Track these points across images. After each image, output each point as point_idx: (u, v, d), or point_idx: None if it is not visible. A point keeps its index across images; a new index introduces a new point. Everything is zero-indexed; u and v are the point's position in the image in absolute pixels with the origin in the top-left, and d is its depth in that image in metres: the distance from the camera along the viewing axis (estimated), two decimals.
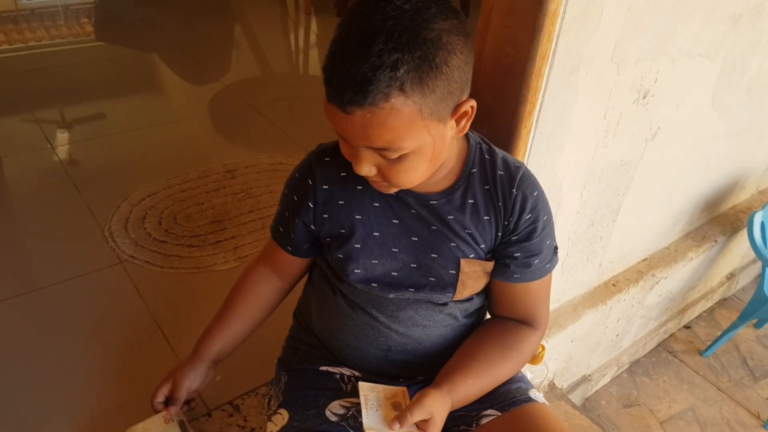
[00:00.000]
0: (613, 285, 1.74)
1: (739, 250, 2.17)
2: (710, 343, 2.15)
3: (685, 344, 2.21)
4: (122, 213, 1.97)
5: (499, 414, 0.98)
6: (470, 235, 0.94)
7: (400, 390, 0.94)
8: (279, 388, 1.11)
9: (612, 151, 1.38)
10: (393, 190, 0.89)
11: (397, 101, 0.71)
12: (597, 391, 2.00)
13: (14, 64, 3.23)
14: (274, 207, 2.02)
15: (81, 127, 2.59)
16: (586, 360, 1.83)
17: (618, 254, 1.70)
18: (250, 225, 1.92)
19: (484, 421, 0.98)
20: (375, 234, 0.96)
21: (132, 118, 2.68)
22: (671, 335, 2.23)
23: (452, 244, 0.94)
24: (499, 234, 0.95)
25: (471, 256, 0.95)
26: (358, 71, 0.69)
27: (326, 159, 0.97)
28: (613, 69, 1.22)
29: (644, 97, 1.35)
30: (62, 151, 2.36)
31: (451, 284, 0.96)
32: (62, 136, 2.48)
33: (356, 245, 0.96)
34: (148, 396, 1.13)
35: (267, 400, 1.15)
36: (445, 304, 1.00)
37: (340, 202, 0.97)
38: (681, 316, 2.18)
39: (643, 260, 1.84)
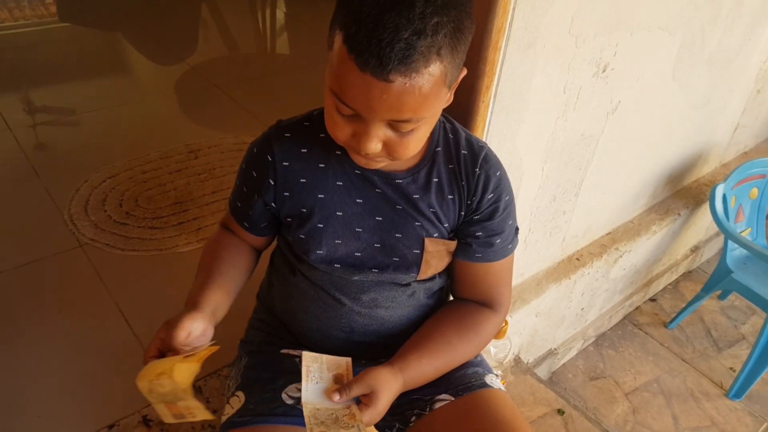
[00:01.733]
0: (577, 259, 1.75)
1: (703, 223, 2.21)
2: (675, 315, 2.19)
3: (651, 317, 2.25)
4: (82, 195, 1.92)
5: (453, 399, 0.97)
6: (434, 214, 0.93)
7: (344, 361, 0.92)
8: (238, 369, 1.10)
9: (572, 125, 1.38)
10: (383, 165, 0.86)
11: (434, 66, 0.69)
12: (563, 364, 2.03)
13: None
14: None
15: (41, 109, 2.51)
16: (552, 334, 1.86)
17: (581, 228, 1.71)
18: (213, 206, 1.89)
19: (438, 405, 0.97)
20: (338, 213, 0.94)
21: (94, 99, 2.62)
22: (637, 308, 2.26)
23: (417, 223, 0.93)
24: (462, 213, 0.94)
25: (435, 235, 0.94)
26: (401, 36, 0.65)
27: (286, 135, 0.93)
28: (572, 42, 1.21)
29: (604, 71, 1.34)
30: (21, 133, 2.29)
31: (415, 264, 0.95)
32: (21, 118, 2.40)
33: (319, 225, 0.94)
34: (108, 379, 1.09)
35: (228, 382, 1.13)
36: (408, 285, 0.99)
37: (301, 180, 0.94)
38: (646, 289, 2.21)
39: (607, 234, 1.85)
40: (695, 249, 2.34)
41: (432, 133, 0.93)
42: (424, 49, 0.67)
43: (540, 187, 1.44)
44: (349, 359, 0.94)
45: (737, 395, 1.96)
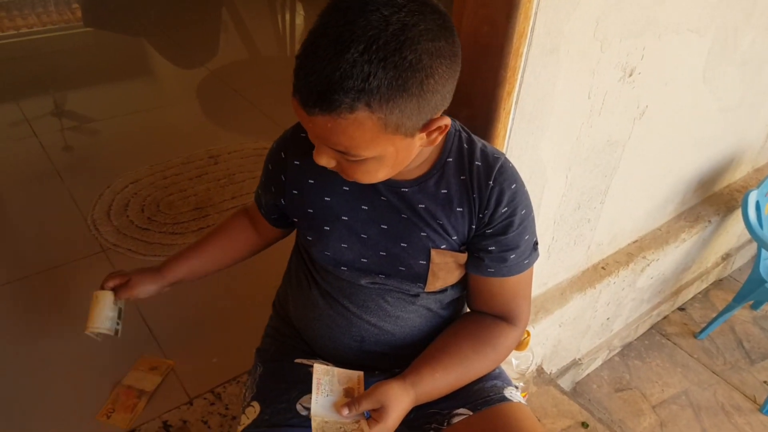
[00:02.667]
0: (603, 268, 1.70)
1: (735, 230, 2.13)
2: (705, 325, 2.12)
3: (679, 327, 2.18)
4: (105, 201, 1.94)
5: (471, 413, 0.95)
6: (441, 225, 0.90)
7: (355, 375, 0.92)
8: (254, 379, 1.10)
9: (598, 131, 1.34)
10: (353, 179, 0.85)
11: (361, 114, 0.67)
12: (588, 375, 1.97)
13: (1, 51, 3.19)
14: None
15: (66, 114, 2.56)
16: (576, 344, 1.81)
17: (607, 236, 1.67)
18: (233, 211, 1.87)
19: (456, 420, 0.95)
20: (344, 218, 0.93)
21: (118, 103, 2.65)
22: (665, 318, 2.20)
23: (422, 233, 0.91)
24: (473, 226, 0.91)
25: (442, 246, 0.91)
26: (326, 76, 0.65)
27: (302, 134, 0.94)
28: (596, 46, 1.17)
29: (630, 75, 1.30)
30: (46, 138, 2.32)
31: (422, 275, 0.93)
32: (47, 124, 2.44)
33: (325, 227, 0.94)
34: (127, 367, 1.09)
35: (244, 390, 1.13)
36: (417, 295, 0.97)
37: (310, 181, 0.94)
38: (675, 298, 2.15)
39: (634, 242, 1.80)
40: (726, 257, 2.27)
41: (444, 143, 0.90)
42: (349, 96, 0.65)
43: (564, 195, 1.40)
44: (361, 373, 0.93)
45: None
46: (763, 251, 1.87)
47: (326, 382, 0.90)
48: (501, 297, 0.97)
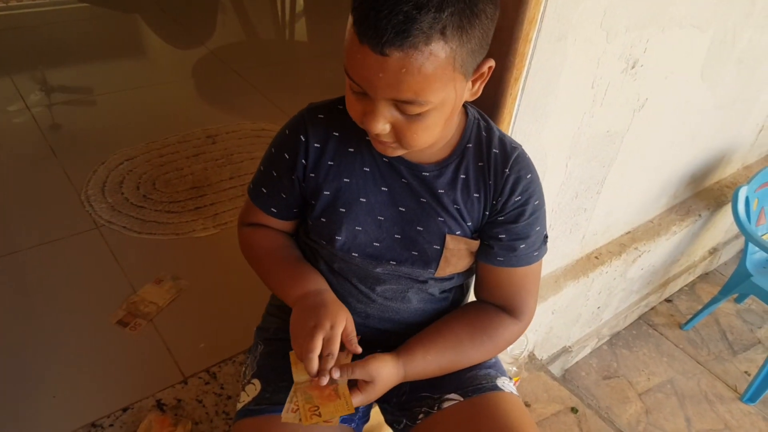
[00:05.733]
0: (596, 257, 1.73)
1: (723, 225, 2.17)
2: (691, 316, 2.16)
3: (666, 317, 2.22)
4: (99, 177, 1.92)
5: (462, 399, 0.96)
6: (458, 210, 0.91)
7: (342, 354, 0.91)
8: (254, 357, 1.09)
9: (599, 121, 1.35)
10: (399, 152, 0.84)
11: (437, 46, 0.66)
12: (577, 362, 2.01)
13: None
14: None
15: (60, 89, 2.52)
16: (567, 332, 1.84)
17: (601, 226, 1.69)
18: (230, 192, 1.89)
19: (446, 405, 0.95)
20: (362, 200, 0.93)
21: (113, 80, 2.62)
22: (652, 308, 2.24)
23: (440, 218, 0.92)
24: (487, 213, 0.92)
25: (457, 232, 0.92)
26: (401, 8, 0.64)
27: (320, 116, 0.92)
28: (603, 36, 1.19)
29: (633, 67, 1.32)
30: (39, 113, 2.29)
31: (434, 260, 0.94)
32: (40, 98, 2.40)
33: (341, 209, 0.93)
34: (123, 362, 1.10)
35: (243, 369, 1.13)
36: (425, 281, 0.98)
37: (329, 163, 0.92)
38: (662, 290, 2.19)
39: (627, 233, 1.83)
40: (713, 251, 2.31)
41: (464, 129, 0.91)
42: (425, 24, 0.64)
43: (563, 183, 1.41)
44: (350, 353, 0.93)
45: (752, 399, 1.94)
46: (750, 246, 1.91)
47: None
48: (507, 288, 0.98)
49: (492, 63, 0.78)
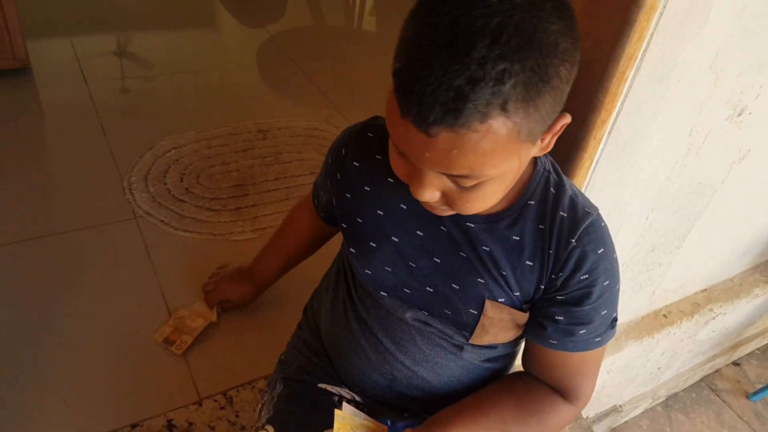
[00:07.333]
0: (664, 316, 1.55)
1: None
2: (761, 386, 1.94)
3: (732, 383, 2.01)
4: (145, 163, 1.86)
5: None
6: (503, 276, 0.77)
7: (380, 428, 0.85)
8: (272, 398, 1.00)
9: (692, 171, 1.18)
10: (447, 214, 0.72)
11: (496, 123, 0.55)
12: (626, 422, 1.83)
13: None
14: (302, 177, 1.89)
15: (118, 63, 2.47)
16: (620, 391, 1.67)
17: (675, 283, 1.51)
18: (274, 194, 1.79)
19: None
20: (393, 239, 0.81)
21: (174, 57, 2.55)
22: (717, 371, 2.02)
23: (480, 279, 0.78)
24: (542, 287, 0.78)
25: (500, 300, 0.79)
26: (452, 83, 0.52)
27: (369, 134, 0.83)
28: (711, 79, 1.01)
29: (740, 114, 1.13)
30: (95, 86, 2.25)
31: (469, 325, 0.81)
32: (98, 70, 2.36)
33: (371, 243, 0.83)
34: (137, 373, 1.04)
35: (259, 407, 1.03)
36: (461, 347, 0.85)
37: (365, 188, 0.83)
38: (732, 352, 1.97)
39: (702, 291, 1.63)
40: None
41: (528, 182, 0.76)
42: (480, 103, 0.52)
43: (640, 236, 1.25)
44: (386, 428, 0.83)
45: None
46: None
47: (348, 426, 0.81)
48: (560, 371, 0.84)
49: (568, 119, 0.65)
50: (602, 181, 1.05)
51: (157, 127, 2.04)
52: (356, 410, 0.88)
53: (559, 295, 0.77)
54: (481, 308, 0.79)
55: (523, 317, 0.80)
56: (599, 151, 0.99)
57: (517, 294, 0.78)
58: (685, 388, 1.95)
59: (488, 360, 0.89)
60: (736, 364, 2.07)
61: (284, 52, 2.72)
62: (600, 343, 0.80)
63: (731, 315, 1.67)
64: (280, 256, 1.28)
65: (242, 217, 1.70)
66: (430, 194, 0.64)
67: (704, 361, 1.89)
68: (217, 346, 1.36)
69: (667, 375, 1.79)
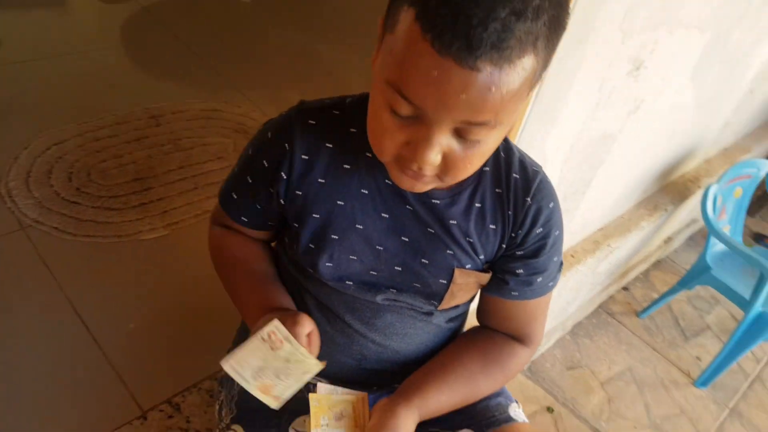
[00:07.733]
0: (572, 256, 1.69)
1: (682, 216, 2.21)
2: (647, 304, 2.20)
3: (623, 306, 2.26)
4: (22, 165, 1.65)
5: None
6: (471, 244, 0.80)
7: (359, 398, 0.84)
8: (231, 396, 0.95)
9: (599, 124, 1.29)
10: (431, 187, 0.71)
11: (528, 59, 0.56)
12: (542, 354, 2.00)
13: None
14: (208, 163, 1.78)
15: None
16: None
17: (580, 225, 1.65)
18: (180, 184, 1.68)
19: None
20: (358, 226, 0.80)
21: (32, 43, 2.25)
22: (610, 297, 2.26)
23: (449, 251, 0.80)
24: (504, 246, 0.82)
25: (468, 266, 0.82)
26: (498, 15, 0.52)
27: (311, 122, 0.78)
28: (619, 38, 1.10)
29: (638, 69, 1.25)
30: None
31: (438, 294, 0.83)
32: None
33: (333, 236, 0.80)
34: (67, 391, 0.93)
35: (217, 407, 0.99)
36: (430, 314, 0.88)
37: (319, 180, 0.78)
38: (621, 279, 2.21)
39: (600, 230, 1.80)
40: (668, 240, 2.36)
41: None
42: (522, 34, 0.54)
43: (555, 187, 1.34)
44: (365, 395, 0.85)
45: (703, 384, 2.01)
46: (711, 240, 1.94)
47: (326, 406, 0.81)
48: (517, 320, 0.89)
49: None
50: (528, 141, 1.11)
51: (29, 123, 1.81)
52: (333, 387, 0.87)
53: (518, 251, 0.82)
54: (450, 277, 0.81)
55: (486, 277, 0.84)
56: (528, 111, 1.05)
57: (482, 257, 0.82)
58: (587, 316, 2.16)
59: (451, 320, 0.92)
60: (625, 288, 2.32)
61: (163, 25, 2.48)
62: (552, 287, 0.87)
63: (624, 247, 1.87)
64: (256, 288, 0.92)
65: (149, 214, 1.58)
66: (435, 155, 0.62)
67: (601, 290, 2.10)
68: (150, 356, 1.27)
69: (573, 307, 1.97)
